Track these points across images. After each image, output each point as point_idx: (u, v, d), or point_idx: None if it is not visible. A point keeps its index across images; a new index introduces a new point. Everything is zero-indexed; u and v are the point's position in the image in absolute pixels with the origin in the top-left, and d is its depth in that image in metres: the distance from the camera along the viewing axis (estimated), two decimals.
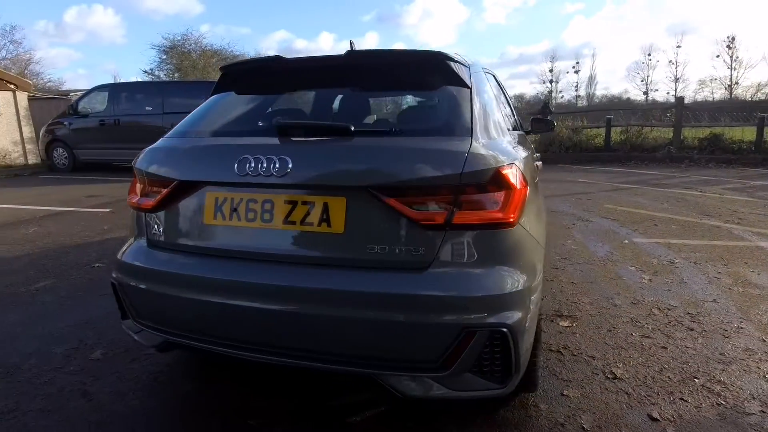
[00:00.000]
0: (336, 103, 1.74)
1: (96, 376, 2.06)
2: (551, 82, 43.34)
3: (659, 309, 2.69)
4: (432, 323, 1.34)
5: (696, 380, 1.96)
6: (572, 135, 11.83)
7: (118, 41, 62.00)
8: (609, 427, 1.68)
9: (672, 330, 2.42)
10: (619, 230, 4.57)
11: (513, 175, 1.47)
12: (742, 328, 2.43)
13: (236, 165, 1.49)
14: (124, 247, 1.79)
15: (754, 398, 1.83)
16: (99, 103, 9.99)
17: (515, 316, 1.38)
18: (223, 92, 1.98)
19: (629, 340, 2.32)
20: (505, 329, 1.35)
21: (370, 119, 1.65)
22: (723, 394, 1.86)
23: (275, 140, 1.55)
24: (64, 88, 24.72)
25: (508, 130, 2.06)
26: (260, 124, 1.99)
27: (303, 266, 1.47)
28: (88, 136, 9.78)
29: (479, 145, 1.46)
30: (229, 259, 1.55)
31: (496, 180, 1.42)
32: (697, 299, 2.82)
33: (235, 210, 1.53)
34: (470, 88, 1.69)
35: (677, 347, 2.24)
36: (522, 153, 1.86)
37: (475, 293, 1.35)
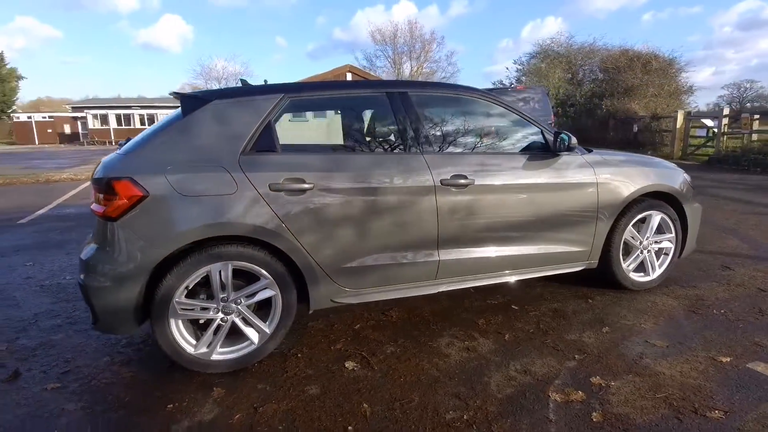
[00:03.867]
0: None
1: None
2: None
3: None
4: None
5: None
6: None
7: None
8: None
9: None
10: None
11: (121, 185, 2.12)
12: None
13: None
14: None
15: None
16: None
17: (93, 279, 2.17)
18: None
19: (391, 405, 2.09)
20: (81, 283, 2.22)
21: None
22: None
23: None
24: None
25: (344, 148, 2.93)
26: None
27: None
28: None
29: (118, 161, 2.23)
30: None
31: (108, 187, 2.16)
32: None
33: None
34: (182, 118, 2.31)
35: None
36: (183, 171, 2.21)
37: (80, 256, 2.29)
